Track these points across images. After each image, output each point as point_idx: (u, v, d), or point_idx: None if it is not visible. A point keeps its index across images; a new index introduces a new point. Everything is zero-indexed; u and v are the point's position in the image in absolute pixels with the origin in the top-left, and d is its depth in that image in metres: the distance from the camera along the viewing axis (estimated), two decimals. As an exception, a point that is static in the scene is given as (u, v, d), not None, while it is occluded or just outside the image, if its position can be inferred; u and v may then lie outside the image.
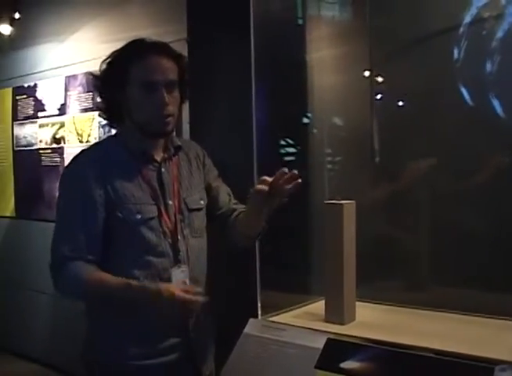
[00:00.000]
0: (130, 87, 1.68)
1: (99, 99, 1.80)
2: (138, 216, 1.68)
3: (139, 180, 1.72)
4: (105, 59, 1.74)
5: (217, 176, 1.95)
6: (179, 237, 1.74)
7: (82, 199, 1.65)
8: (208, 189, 1.90)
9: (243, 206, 1.83)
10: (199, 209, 1.83)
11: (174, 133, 1.86)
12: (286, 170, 1.59)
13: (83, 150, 1.79)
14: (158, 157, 1.78)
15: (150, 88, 1.67)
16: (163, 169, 1.77)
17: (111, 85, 1.72)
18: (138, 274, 1.67)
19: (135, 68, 1.67)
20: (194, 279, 1.77)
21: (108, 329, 1.74)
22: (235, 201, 1.94)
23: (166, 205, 1.74)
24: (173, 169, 1.80)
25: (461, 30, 2.25)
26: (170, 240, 1.72)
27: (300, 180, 1.61)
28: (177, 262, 1.73)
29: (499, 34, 2.15)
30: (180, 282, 1.68)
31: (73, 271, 1.61)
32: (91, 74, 1.80)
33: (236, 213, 1.87)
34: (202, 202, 1.85)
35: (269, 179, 1.61)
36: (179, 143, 1.85)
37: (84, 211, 1.65)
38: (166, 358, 1.73)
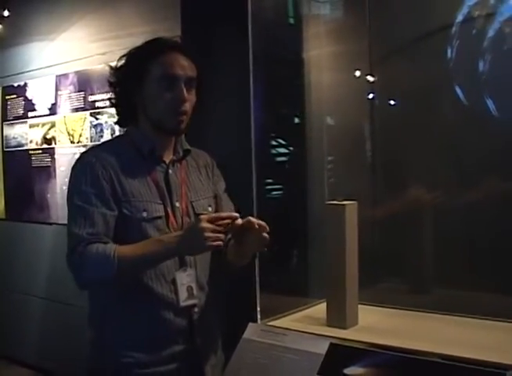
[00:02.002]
0: (149, 81, 1.69)
1: (113, 94, 1.79)
2: (144, 214, 1.66)
3: (147, 179, 1.71)
4: (123, 55, 1.75)
5: (224, 190, 1.93)
6: None
7: (95, 190, 1.63)
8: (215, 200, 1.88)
9: None
10: None
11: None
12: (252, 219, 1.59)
13: (92, 147, 1.80)
14: (167, 158, 1.78)
15: (170, 83, 1.68)
16: (170, 171, 1.76)
17: (129, 79, 1.72)
18: (142, 275, 1.65)
19: (156, 63, 1.68)
20: (200, 283, 1.76)
21: (112, 336, 1.69)
22: None
23: (173, 207, 1.73)
24: (181, 172, 1.80)
25: (461, 28, 2.22)
26: None
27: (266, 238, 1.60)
28: (182, 264, 1.71)
29: (503, 31, 2.12)
30: (185, 288, 1.68)
31: (97, 250, 1.55)
32: (110, 66, 1.78)
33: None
34: (210, 209, 1.82)
35: (254, 222, 1.59)
36: (189, 147, 1.84)
37: (98, 201, 1.62)
38: (172, 365, 1.69)
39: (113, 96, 1.80)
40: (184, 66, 1.69)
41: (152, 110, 1.71)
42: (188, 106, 1.70)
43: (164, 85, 1.67)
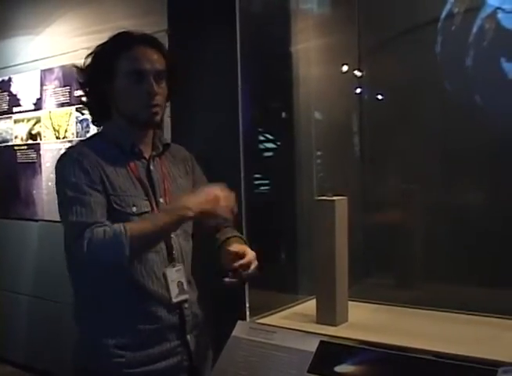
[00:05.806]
0: (118, 77, 1.68)
1: (83, 93, 1.77)
2: (134, 209, 1.65)
3: (130, 175, 1.70)
4: (90, 53, 1.72)
5: (206, 183, 1.90)
6: (172, 235, 1.71)
7: (86, 181, 1.60)
8: None
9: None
10: None
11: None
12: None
13: (70, 147, 1.77)
14: (147, 154, 1.76)
15: (139, 78, 1.66)
16: (151, 166, 1.75)
17: (98, 77, 1.70)
18: (133, 270, 1.63)
19: (123, 58, 1.67)
20: (187, 279, 1.75)
21: (99, 334, 1.66)
22: None
23: (157, 202, 1.72)
24: (161, 167, 1.78)
25: (451, 21, 2.21)
26: None
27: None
28: (171, 260, 1.71)
29: (495, 22, 2.11)
30: (176, 283, 1.69)
31: (105, 232, 1.52)
32: (76, 66, 1.77)
33: (223, 237, 1.82)
34: None
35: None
36: (168, 142, 1.84)
37: (92, 190, 1.60)
38: (163, 363, 1.68)
39: (83, 96, 1.78)
40: (152, 60, 1.68)
41: (124, 106, 1.70)
42: (159, 99, 1.69)
43: (133, 80, 1.66)
